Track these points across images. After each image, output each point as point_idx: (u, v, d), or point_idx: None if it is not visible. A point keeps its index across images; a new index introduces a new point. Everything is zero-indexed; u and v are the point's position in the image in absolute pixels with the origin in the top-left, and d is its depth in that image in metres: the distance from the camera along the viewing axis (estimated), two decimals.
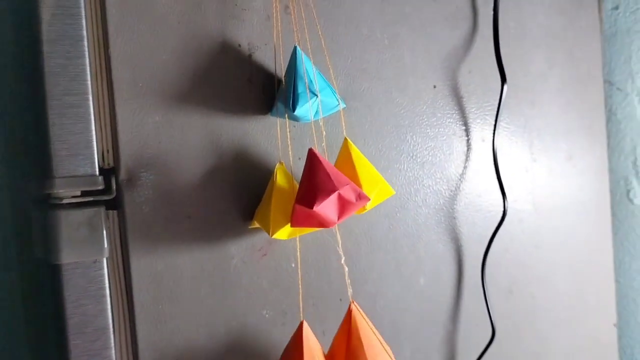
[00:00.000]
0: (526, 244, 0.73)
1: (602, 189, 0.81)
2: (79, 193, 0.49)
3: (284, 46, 0.57)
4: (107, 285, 0.50)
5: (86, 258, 0.49)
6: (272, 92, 0.57)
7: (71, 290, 0.49)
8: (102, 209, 0.50)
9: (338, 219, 0.49)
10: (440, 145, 0.67)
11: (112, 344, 0.51)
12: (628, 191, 0.91)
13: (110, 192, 0.51)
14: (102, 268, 0.50)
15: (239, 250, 0.55)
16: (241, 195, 0.55)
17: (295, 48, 0.53)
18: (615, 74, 0.91)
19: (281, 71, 0.56)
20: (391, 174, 0.63)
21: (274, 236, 0.52)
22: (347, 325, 0.53)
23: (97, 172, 0.50)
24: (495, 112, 0.69)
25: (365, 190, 0.52)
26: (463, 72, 0.68)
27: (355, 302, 0.54)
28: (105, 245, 0.50)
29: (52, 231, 0.48)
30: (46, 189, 0.49)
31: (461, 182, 0.68)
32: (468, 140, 0.69)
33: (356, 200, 0.49)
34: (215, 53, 0.54)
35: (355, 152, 0.55)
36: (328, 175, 0.48)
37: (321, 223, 0.49)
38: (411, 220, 0.64)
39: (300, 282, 0.58)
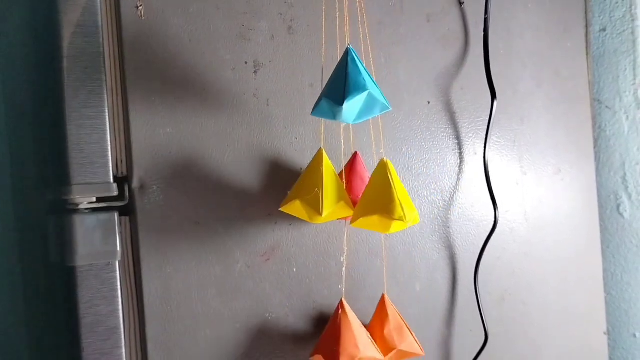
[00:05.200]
0: (517, 253, 0.76)
1: (591, 201, 0.84)
2: (94, 199, 0.53)
3: (285, 65, 0.61)
4: (119, 287, 0.53)
5: (100, 261, 0.52)
6: (276, 105, 0.60)
7: (85, 292, 0.52)
8: (116, 215, 0.53)
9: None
10: (435, 157, 0.70)
11: (123, 344, 0.53)
12: (618, 205, 0.94)
13: (123, 199, 0.54)
14: (114, 271, 0.53)
15: (244, 255, 0.58)
16: (246, 203, 0.59)
17: (349, 48, 0.52)
18: (604, 92, 0.95)
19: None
20: None
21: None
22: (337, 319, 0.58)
23: (112, 180, 0.53)
24: (486, 127, 0.72)
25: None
26: (455, 89, 0.72)
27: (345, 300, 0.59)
28: (118, 248, 0.53)
29: (68, 235, 0.51)
30: (63, 195, 0.52)
31: (454, 193, 0.71)
32: (461, 153, 0.72)
33: None
34: (223, 69, 0.58)
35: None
36: None
37: None
38: (407, 229, 0.67)
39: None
